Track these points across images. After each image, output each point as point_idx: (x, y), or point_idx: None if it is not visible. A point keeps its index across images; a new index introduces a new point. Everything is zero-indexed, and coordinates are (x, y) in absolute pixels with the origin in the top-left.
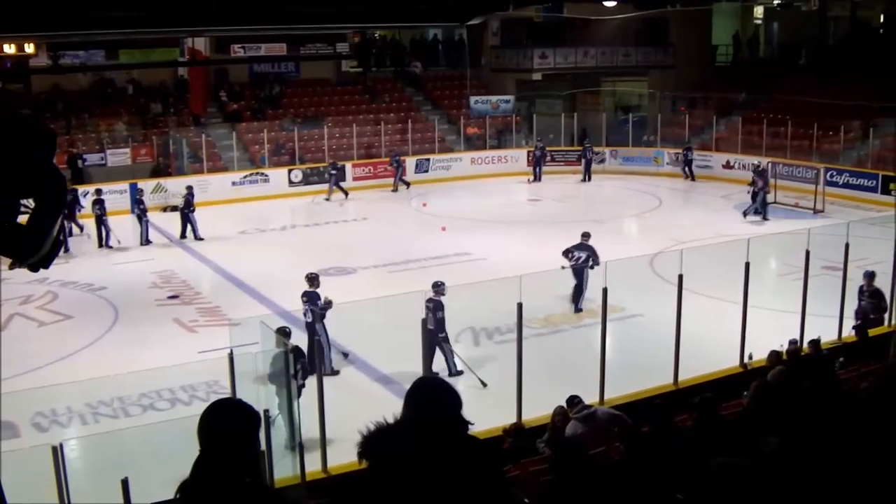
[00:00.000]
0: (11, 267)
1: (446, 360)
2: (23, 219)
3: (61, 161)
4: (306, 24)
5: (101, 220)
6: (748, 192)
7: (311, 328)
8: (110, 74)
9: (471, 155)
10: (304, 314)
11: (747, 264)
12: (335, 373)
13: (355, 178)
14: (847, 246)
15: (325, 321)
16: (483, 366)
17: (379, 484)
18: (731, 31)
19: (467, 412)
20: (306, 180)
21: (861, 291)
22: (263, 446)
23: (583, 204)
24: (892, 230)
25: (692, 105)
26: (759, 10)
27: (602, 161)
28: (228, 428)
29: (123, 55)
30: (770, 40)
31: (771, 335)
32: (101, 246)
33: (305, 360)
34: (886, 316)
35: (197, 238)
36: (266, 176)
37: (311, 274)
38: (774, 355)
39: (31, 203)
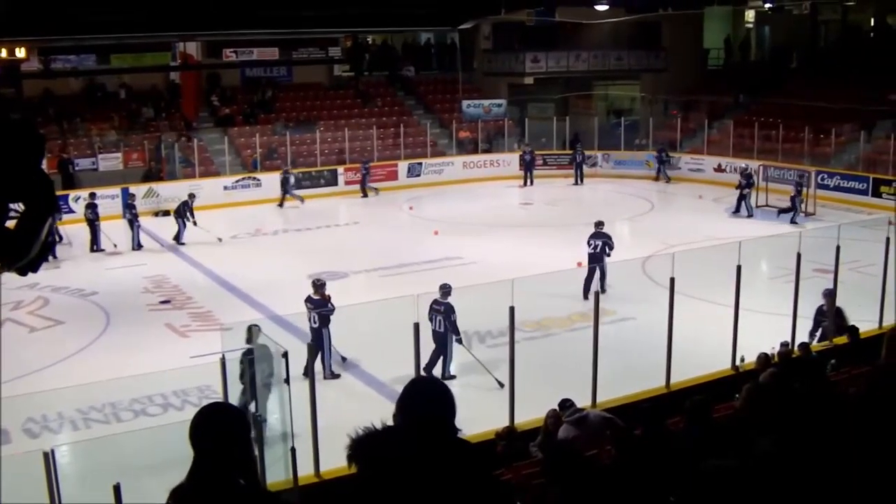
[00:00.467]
0: None
1: (445, 362)
2: (10, 223)
3: (52, 166)
4: (298, 29)
5: (93, 225)
6: (736, 188)
7: (317, 333)
8: (102, 79)
9: (463, 159)
10: (310, 319)
11: (738, 267)
12: (335, 376)
13: (347, 182)
14: (838, 248)
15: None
16: (475, 370)
17: (368, 488)
18: (722, 35)
19: (461, 415)
20: (299, 184)
21: (820, 312)
22: (256, 451)
23: (575, 207)
24: (883, 233)
25: (685, 108)
26: (750, 14)
27: (594, 165)
28: (218, 431)
29: (115, 59)
30: (762, 44)
31: (763, 338)
32: (93, 250)
33: (272, 360)
34: (877, 317)
35: (179, 242)
36: (258, 180)
37: (318, 280)
38: (763, 358)
39: (19, 207)
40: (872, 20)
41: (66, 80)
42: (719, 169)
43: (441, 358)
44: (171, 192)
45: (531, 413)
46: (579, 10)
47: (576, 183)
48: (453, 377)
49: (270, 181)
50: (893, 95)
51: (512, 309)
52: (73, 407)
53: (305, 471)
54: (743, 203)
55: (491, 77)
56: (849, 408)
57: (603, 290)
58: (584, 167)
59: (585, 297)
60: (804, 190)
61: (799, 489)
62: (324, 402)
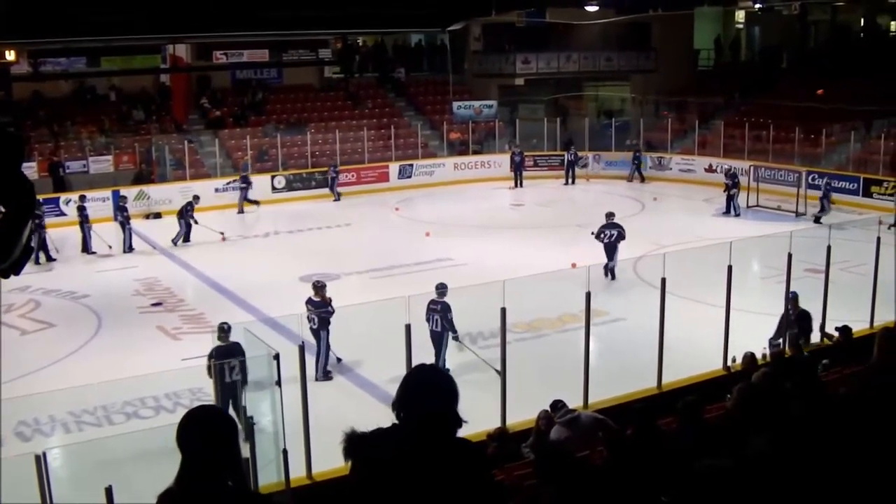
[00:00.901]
0: None
1: (441, 357)
2: None
3: (43, 169)
4: (288, 31)
5: (83, 227)
6: (724, 192)
7: (315, 335)
8: (92, 81)
9: (454, 160)
10: (309, 321)
11: (730, 267)
12: (328, 378)
13: (338, 185)
14: (829, 248)
15: (330, 327)
16: (467, 371)
17: (363, 486)
18: (713, 36)
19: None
20: (290, 186)
21: (786, 318)
22: (247, 453)
23: (566, 208)
24: (873, 233)
25: (675, 109)
26: (740, 15)
27: (585, 166)
28: (205, 433)
29: (105, 62)
30: (752, 44)
31: (754, 338)
32: (83, 251)
33: (244, 358)
34: (868, 317)
35: (175, 243)
36: (250, 182)
37: (319, 282)
38: (750, 356)
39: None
40: (862, 20)
41: (55, 83)
42: (710, 169)
43: (436, 353)
44: (163, 194)
45: (523, 414)
46: (569, 11)
47: (566, 183)
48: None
49: (261, 183)
50: None
51: (503, 310)
52: (65, 410)
53: (297, 473)
54: (732, 204)
55: (481, 78)
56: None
57: (613, 276)
58: (576, 168)
59: (613, 277)
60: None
61: (792, 489)
62: (316, 403)
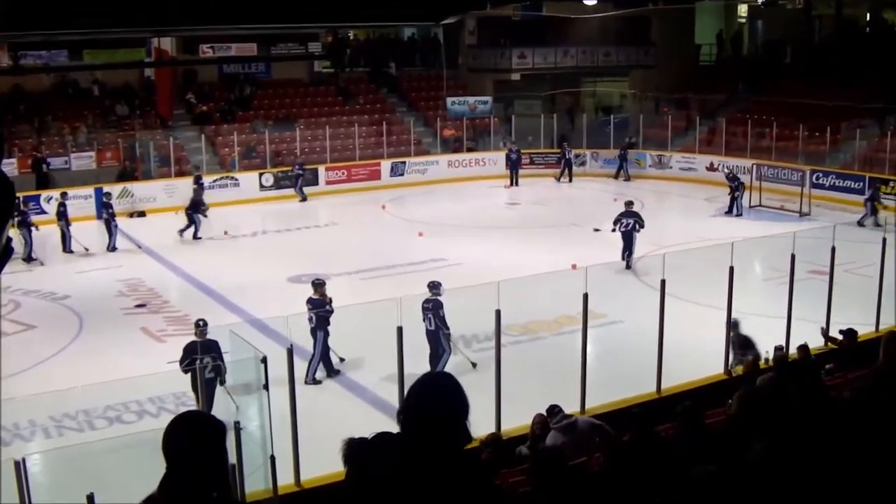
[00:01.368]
0: None
1: (442, 359)
2: None
3: (25, 165)
4: (277, 24)
5: (63, 226)
6: (728, 194)
7: (314, 336)
8: (74, 75)
9: (447, 158)
10: (309, 320)
11: (731, 268)
12: (316, 382)
13: (328, 182)
14: (833, 249)
15: (329, 327)
16: (460, 375)
17: (360, 495)
18: (714, 30)
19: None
20: (278, 184)
21: (727, 344)
22: (234, 460)
23: (562, 207)
24: (879, 233)
25: (676, 106)
26: (743, 9)
27: (583, 164)
28: (192, 441)
29: (87, 55)
30: (754, 39)
31: (756, 341)
32: (64, 251)
33: (218, 357)
34: (873, 320)
35: (194, 237)
36: (236, 180)
37: (318, 279)
38: (751, 361)
39: None
40: (868, 15)
41: (37, 77)
42: (712, 168)
43: (436, 353)
44: (147, 192)
45: (518, 420)
46: (567, 5)
47: (559, 180)
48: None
49: (248, 181)
50: None
51: (498, 312)
52: (46, 414)
53: (286, 480)
54: (735, 203)
55: (476, 73)
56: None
57: (629, 266)
58: (574, 166)
59: (629, 266)
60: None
61: (793, 495)
62: (305, 408)
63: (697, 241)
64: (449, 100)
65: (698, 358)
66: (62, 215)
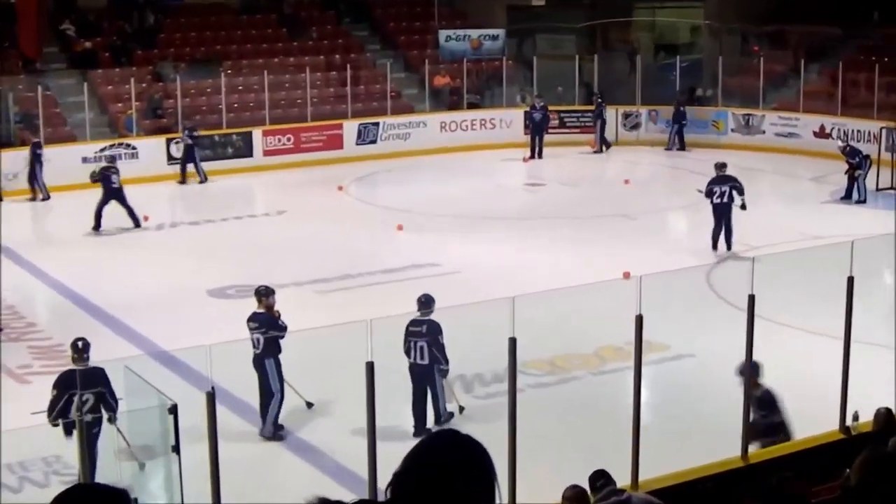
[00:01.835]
0: None
1: (438, 401)
2: None
3: None
4: None
5: None
6: (845, 174)
7: (259, 365)
8: None
9: (440, 118)
10: (253, 345)
11: (850, 279)
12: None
13: (267, 153)
14: None
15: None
16: (459, 422)
17: None
18: None
19: None
20: (189, 155)
21: (745, 405)
22: None
23: (603, 191)
24: None
25: (771, 43)
26: None
27: (635, 127)
28: None
29: None
30: None
31: (887, 384)
32: None
33: (107, 392)
34: None
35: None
36: (134, 149)
37: (264, 288)
38: (884, 414)
39: None
40: None
41: None
42: (822, 133)
43: (431, 397)
44: (5, 165)
45: (543, 493)
46: None
47: (598, 150)
48: (451, 416)
49: (151, 150)
50: None
51: (513, 341)
52: None
53: None
54: (856, 185)
55: None
56: None
57: (729, 247)
58: (624, 129)
59: (729, 247)
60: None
61: None
62: (232, 479)
63: (801, 239)
64: (442, 34)
65: (801, 408)
66: None
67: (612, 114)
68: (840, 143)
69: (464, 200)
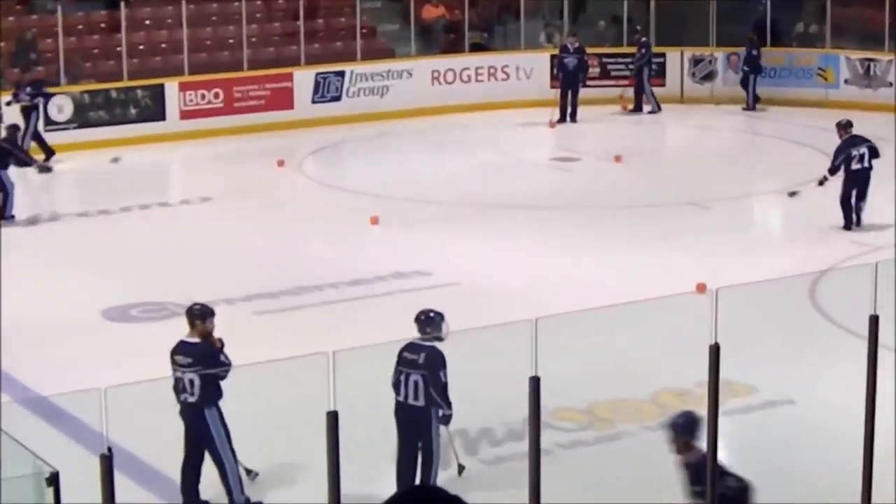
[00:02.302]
0: None
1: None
2: None
3: None
4: None
5: None
6: None
7: (196, 417)
8: None
9: (431, 64)
10: (182, 389)
11: None
12: None
13: (186, 115)
14: None
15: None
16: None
17: None
18: None
19: None
20: (83, 118)
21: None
22: None
23: (660, 169)
24: None
25: None
26: None
27: (708, 77)
28: None
29: None
30: None
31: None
32: None
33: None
34: None
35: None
36: None
37: (198, 306)
38: None
39: None
40: None
41: None
42: None
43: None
44: None
45: None
46: None
47: (653, 111)
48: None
49: (16, 113)
50: None
51: (535, 382)
52: None
53: None
54: None
55: None
56: None
57: (858, 222)
58: (692, 80)
59: (859, 222)
60: None
61: None
62: None
63: None
64: None
65: None
66: None
67: (673, 58)
68: None
69: (464, 183)
